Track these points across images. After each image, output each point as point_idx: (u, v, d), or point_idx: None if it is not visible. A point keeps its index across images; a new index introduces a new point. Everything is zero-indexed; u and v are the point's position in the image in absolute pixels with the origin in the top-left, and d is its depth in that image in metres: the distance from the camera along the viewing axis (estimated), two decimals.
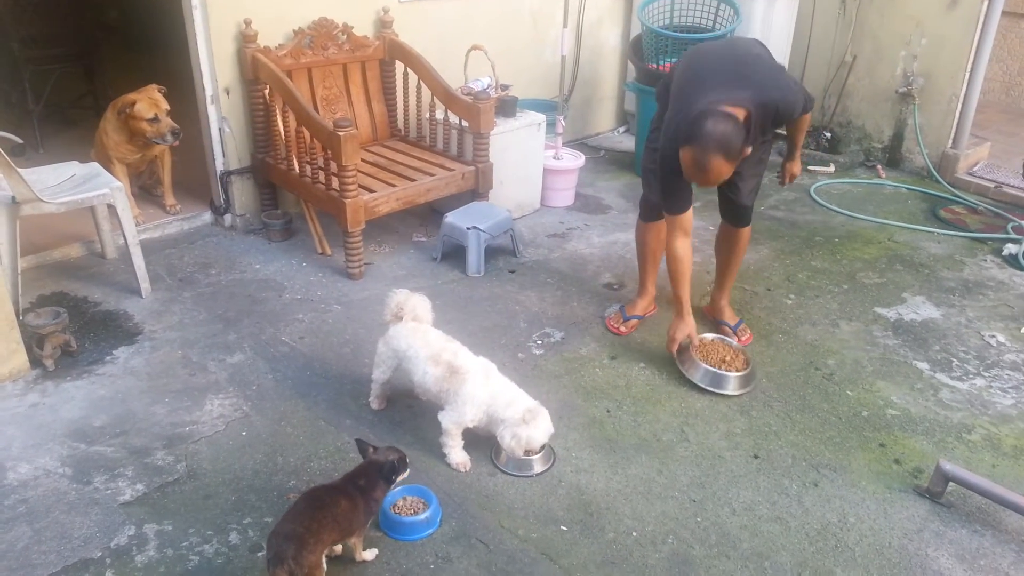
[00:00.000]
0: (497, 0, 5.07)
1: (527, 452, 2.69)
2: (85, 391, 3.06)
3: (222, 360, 3.28)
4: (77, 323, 3.44)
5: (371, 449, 2.41)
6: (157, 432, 2.86)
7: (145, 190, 4.58)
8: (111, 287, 3.78)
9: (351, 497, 2.25)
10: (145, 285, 3.68)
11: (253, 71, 4.01)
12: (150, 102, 4.02)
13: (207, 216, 4.45)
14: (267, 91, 4.05)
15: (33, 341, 3.14)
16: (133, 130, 4.05)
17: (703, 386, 3.17)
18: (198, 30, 3.95)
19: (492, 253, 4.16)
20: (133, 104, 3.99)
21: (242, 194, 4.35)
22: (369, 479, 2.33)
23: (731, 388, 3.17)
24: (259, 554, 2.37)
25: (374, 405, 3.02)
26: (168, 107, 4.07)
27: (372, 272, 4.01)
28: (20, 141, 3.89)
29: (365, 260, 3.99)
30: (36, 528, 2.43)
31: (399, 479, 2.42)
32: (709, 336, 3.40)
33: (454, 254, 4.14)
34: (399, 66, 4.53)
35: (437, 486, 2.63)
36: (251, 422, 2.93)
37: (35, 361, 3.15)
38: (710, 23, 5.24)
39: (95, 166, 3.78)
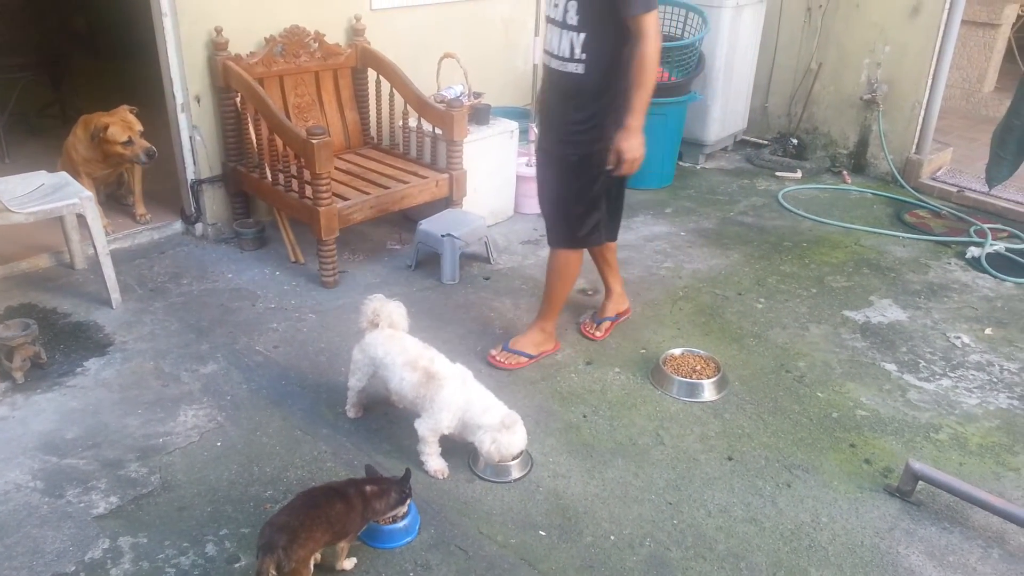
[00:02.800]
0: (469, 8, 5.09)
1: (503, 458, 2.70)
2: (56, 403, 3.02)
3: (195, 370, 3.26)
4: (46, 335, 3.39)
5: (378, 475, 2.43)
6: (130, 444, 2.83)
7: (114, 199, 4.53)
8: (81, 298, 3.73)
9: (348, 500, 2.26)
10: (115, 296, 3.64)
11: (224, 79, 3.98)
12: (123, 125, 3.99)
13: (178, 225, 4.41)
14: (239, 99, 4.03)
15: (2, 353, 3.09)
16: (106, 152, 4.02)
17: (679, 398, 3.20)
18: (168, 38, 3.93)
19: (466, 260, 4.18)
20: (106, 128, 3.95)
21: (213, 203, 4.32)
22: (380, 488, 2.34)
23: (706, 395, 3.21)
24: (236, 565, 2.36)
25: (350, 414, 3.01)
26: (141, 128, 4.04)
27: (346, 280, 4.00)
28: None
29: (339, 268, 3.98)
30: (7, 544, 2.39)
31: (400, 511, 2.43)
32: (677, 351, 3.43)
33: (428, 261, 4.15)
34: (371, 74, 4.53)
35: (416, 493, 2.61)
36: (226, 432, 2.91)
37: (4, 374, 3.10)
38: (679, 31, 5.31)
39: (64, 175, 3.73)
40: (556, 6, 2.90)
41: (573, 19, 2.85)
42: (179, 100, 4.05)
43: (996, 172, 4.67)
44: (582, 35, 2.84)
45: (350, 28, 4.46)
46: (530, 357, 3.38)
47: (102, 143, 3.99)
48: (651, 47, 2.75)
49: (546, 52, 3.01)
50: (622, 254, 4.37)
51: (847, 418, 3.14)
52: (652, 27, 2.74)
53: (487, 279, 4.10)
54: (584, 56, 2.87)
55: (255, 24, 4.10)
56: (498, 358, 3.36)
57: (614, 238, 3.52)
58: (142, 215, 4.35)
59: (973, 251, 4.51)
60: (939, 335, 3.74)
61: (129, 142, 3.99)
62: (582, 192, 3.10)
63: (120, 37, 7.33)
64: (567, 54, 2.90)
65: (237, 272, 4.04)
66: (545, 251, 4.37)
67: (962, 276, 4.32)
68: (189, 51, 3.96)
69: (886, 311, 3.94)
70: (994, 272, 4.31)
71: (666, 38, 5.27)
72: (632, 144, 2.87)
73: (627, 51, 2.81)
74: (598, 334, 3.59)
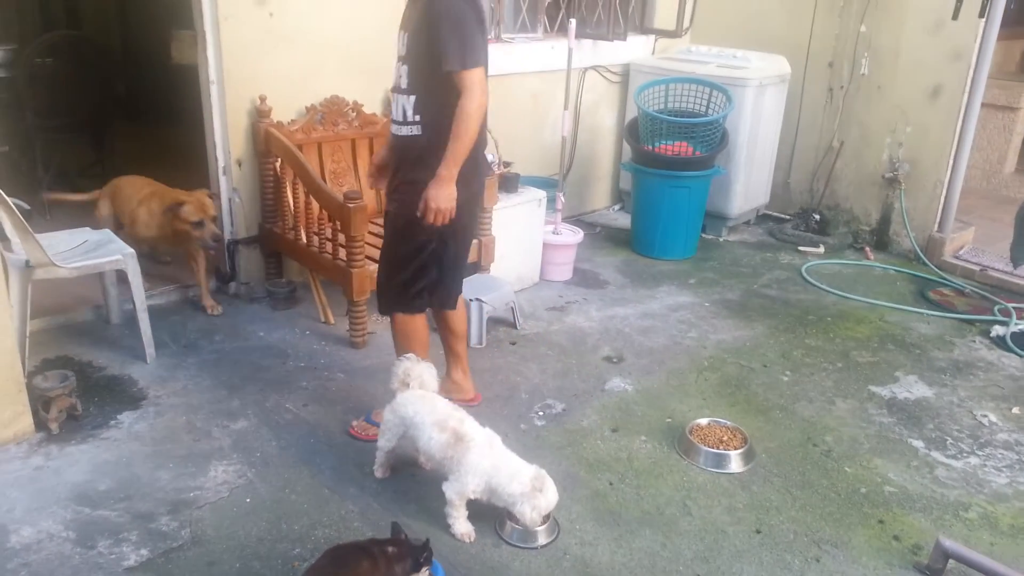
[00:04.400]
0: (500, 82, 5.24)
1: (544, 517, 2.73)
2: (89, 455, 3.06)
3: (226, 426, 3.30)
4: (81, 387, 3.43)
5: (404, 535, 2.44)
6: (161, 497, 2.86)
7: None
8: (116, 352, 3.80)
9: (373, 559, 2.27)
10: (150, 351, 3.71)
11: (266, 144, 4.13)
12: (198, 205, 3.96)
13: (212, 284, 4.49)
14: (278, 164, 4.17)
15: (39, 404, 3.15)
16: (176, 230, 4.01)
17: (706, 468, 3.20)
18: (214, 104, 4.09)
19: (492, 325, 4.22)
20: (181, 205, 3.94)
21: (248, 263, 4.43)
22: (400, 551, 2.35)
23: (733, 467, 3.21)
24: None
25: (378, 474, 3.03)
26: (215, 214, 4.02)
27: (375, 341, 4.05)
28: (27, 207, 3.96)
29: (368, 329, 4.04)
30: None
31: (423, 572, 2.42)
32: (703, 420, 3.44)
33: None
34: None
35: (443, 556, 2.62)
36: (255, 489, 2.94)
37: (40, 424, 3.16)
38: (703, 109, 5.45)
39: (107, 232, 3.85)
40: (397, 73, 2.96)
41: (405, 83, 2.91)
42: (221, 163, 4.20)
43: (1021, 252, 4.71)
44: (412, 97, 2.89)
45: (386, 99, 4.62)
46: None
47: (174, 220, 3.97)
48: (471, 103, 2.76)
49: (390, 119, 3.07)
50: (647, 322, 4.44)
51: (875, 494, 3.12)
52: (474, 83, 2.75)
53: (513, 344, 4.14)
54: (417, 118, 2.90)
55: (297, 93, 4.26)
56: (356, 428, 3.30)
57: (448, 306, 3.31)
58: (211, 307, 4.24)
59: (998, 330, 4.52)
60: (966, 413, 3.73)
61: (200, 224, 3.96)
62: (409, 257, 3.07)
63: (159, 103, 7.60)
64: (401, 117, 2.94)
65: (268, 331, 4.11)
66: (571, 318, 4.47)
67: (987, 354, 4.32)
68: (233, 117, 4.12)
69: (912, 387, 3.93)
70: (1020, 351, 4.31)
71: (691, 114, 5.41)
72: (439, 193, 2.83)
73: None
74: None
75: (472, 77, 2.76)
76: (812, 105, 5.97)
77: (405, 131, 2.95)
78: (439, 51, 2.75)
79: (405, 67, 2.91)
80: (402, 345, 3.24)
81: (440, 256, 3.08)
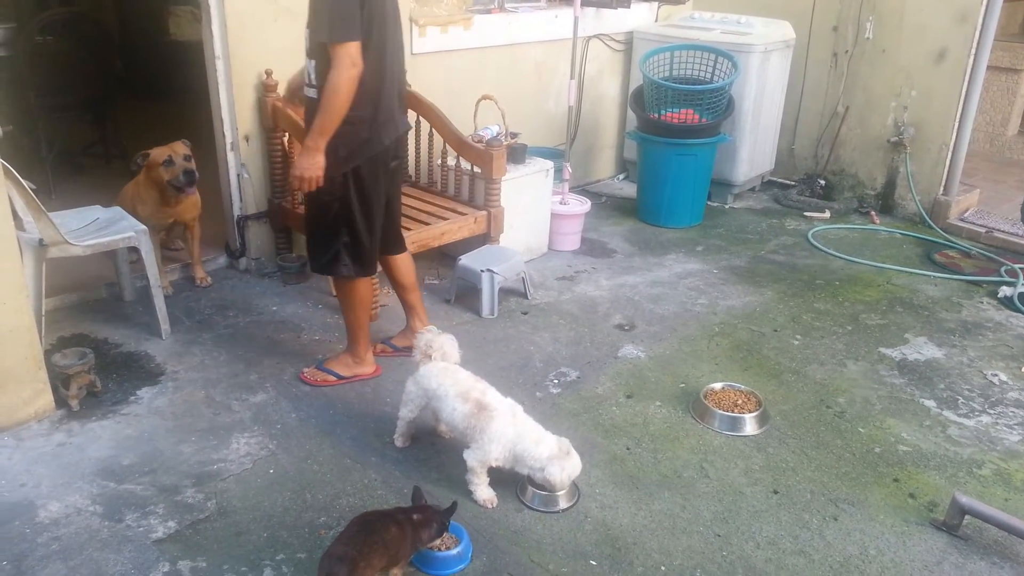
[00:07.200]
0: (504, 53, 5.24)
1: (569, 482, 2.77)
2: (111, 431, 3.09)
3: (245, 399, 3.32)
4: (99, 364, 3.44)
5: (424, 500, 2.49)
6: (185, 470, 2.89)
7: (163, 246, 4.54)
8: (131, 329, 3.82)
9: (401, 525, 2.31)
10: (165, 327, 3.73)
11: (273, 119, 4.12)
12: (166, 147, 3.94)
13: (222, 260, 4.51)
14: (286, 139, 4.16)
15: (59, 381, 3.17)
16: (154, 180, 3.97)
17: (721, 432, 3.24)
18: (220, 80, 4.07)
19: (503, 295, 4.24)
20: (147, 154, 3.93)
21: (257, 238, 4.43)
22: (425, 517, 2.40)
23: (748, 430, 3.25)
24: None
25: (398, 443, 3.07)
26: (188, 152, 4.00)
27: (387, 314, 4.07)
28: (33, 187, 3.94)
29: (380, 302, 4.05)
30: (71, 565, 2.45)
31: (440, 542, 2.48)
32: (718, 385, 3.47)
33: (466, 296, 4.22)
34: (411, 114, 4.64)
35: (465, 522, 2.66)
36: (278, 460, 2.97)
37: (60, 401, 3.18)
38: (708, 75, 5.43)
39: (118, 210, 3.84)
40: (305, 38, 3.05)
41: (307, 47, 3.00)
42: (228, 139, 4.18)
43: None
44: (312, 62, 2.99)
45: None
46: (340, 377, 3.45)
47: (148, 170, 3.94)
48: (337, 76, 2.81)
49: None
50: (656, 290, 4.46)
51: (889, 453, 3.16)
52: (341, 57, 2.80)
53: (525, 314, 4.16)
54: (316, 82, 2.98)
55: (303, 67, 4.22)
56: (307, 374, 3.45)
57: (369, 272, 3.32)
58: (202, 279, 4.30)
59: (1005, 291, 4.54)
60: (976, 372, 3.76)
61: (169, 162, 3.90)
62: (319, 217, 3.19)
63: (158, 80, 7.56)
64: (308, 80, 3.05)
65: (281, 305, 4.12)
66: (581, 287, 4.49)
67: (995, 315, 4.35)
68: (240, 93, 4.09)
69: (922, 349, 3.97)
70: None
71: (696, 81, 5.39)
72: (302, 162, 2.96)
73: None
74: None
75: (339, 51, 2.80)
76: (817, 70, 5.95)
77: (310, 93, 3.05)
78: (314, 21, 2.86)
79: (307, 31, 2.99)
80: (344, 310, 3.41)
81: (348, 218, 3.15)
